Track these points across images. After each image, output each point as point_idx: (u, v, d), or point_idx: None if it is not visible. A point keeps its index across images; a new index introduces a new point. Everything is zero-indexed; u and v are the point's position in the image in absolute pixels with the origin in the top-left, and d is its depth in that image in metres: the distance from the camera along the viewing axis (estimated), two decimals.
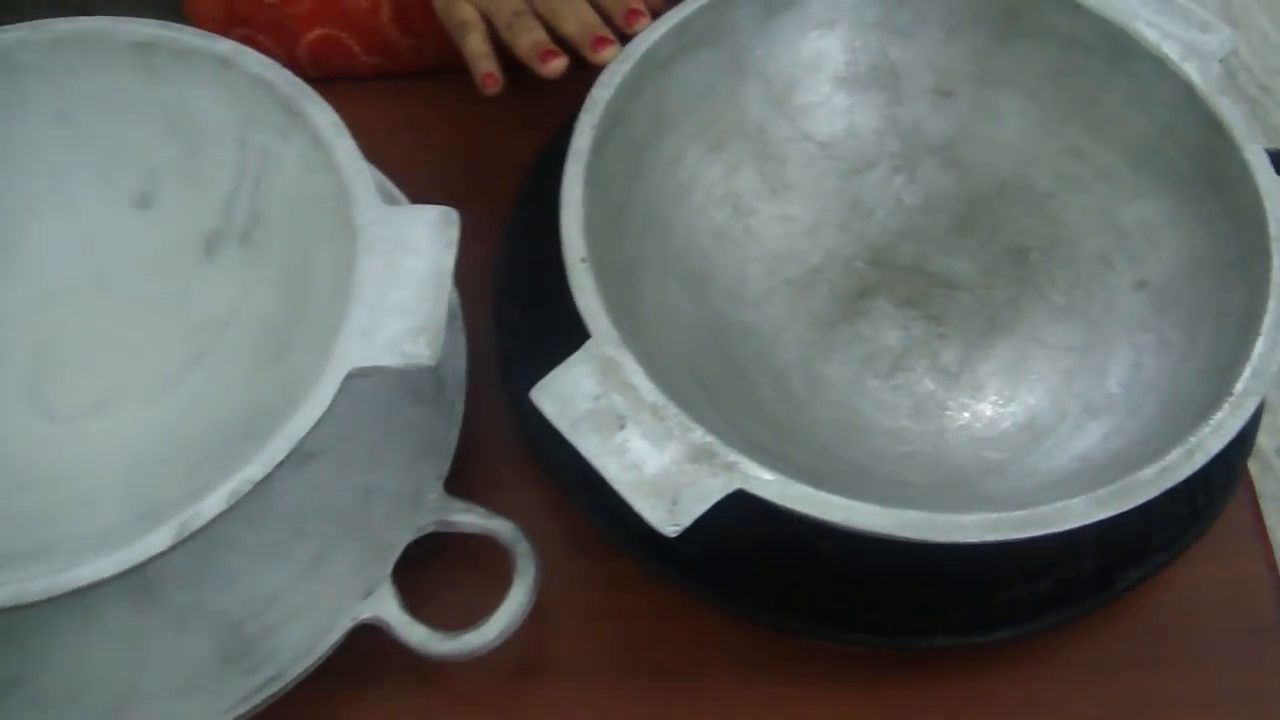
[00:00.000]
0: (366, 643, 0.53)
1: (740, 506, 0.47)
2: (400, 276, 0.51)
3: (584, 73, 0.58)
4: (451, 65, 0.66)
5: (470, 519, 0.54)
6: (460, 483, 0.55)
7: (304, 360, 0.54)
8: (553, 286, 0.57)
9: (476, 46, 0.60)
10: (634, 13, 0.57)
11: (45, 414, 0.58)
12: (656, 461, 0.47)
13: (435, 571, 0.55)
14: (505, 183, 0.62)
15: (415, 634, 0.52)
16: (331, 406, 0.48)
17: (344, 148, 0.54)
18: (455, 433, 0.56)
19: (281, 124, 0.56)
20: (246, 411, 0.56)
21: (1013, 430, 0.55)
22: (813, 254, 0.60)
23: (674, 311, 0.56)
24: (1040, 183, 0.59)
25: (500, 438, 0.59)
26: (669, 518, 0.46)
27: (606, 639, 0.55)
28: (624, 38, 0.57)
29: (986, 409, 0.56)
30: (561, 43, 0.59)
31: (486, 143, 0.67)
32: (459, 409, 0.57)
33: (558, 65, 0.57)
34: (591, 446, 0.48)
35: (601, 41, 0.56)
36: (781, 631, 0.53)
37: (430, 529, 0.54)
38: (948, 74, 0.60)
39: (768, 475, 0.47)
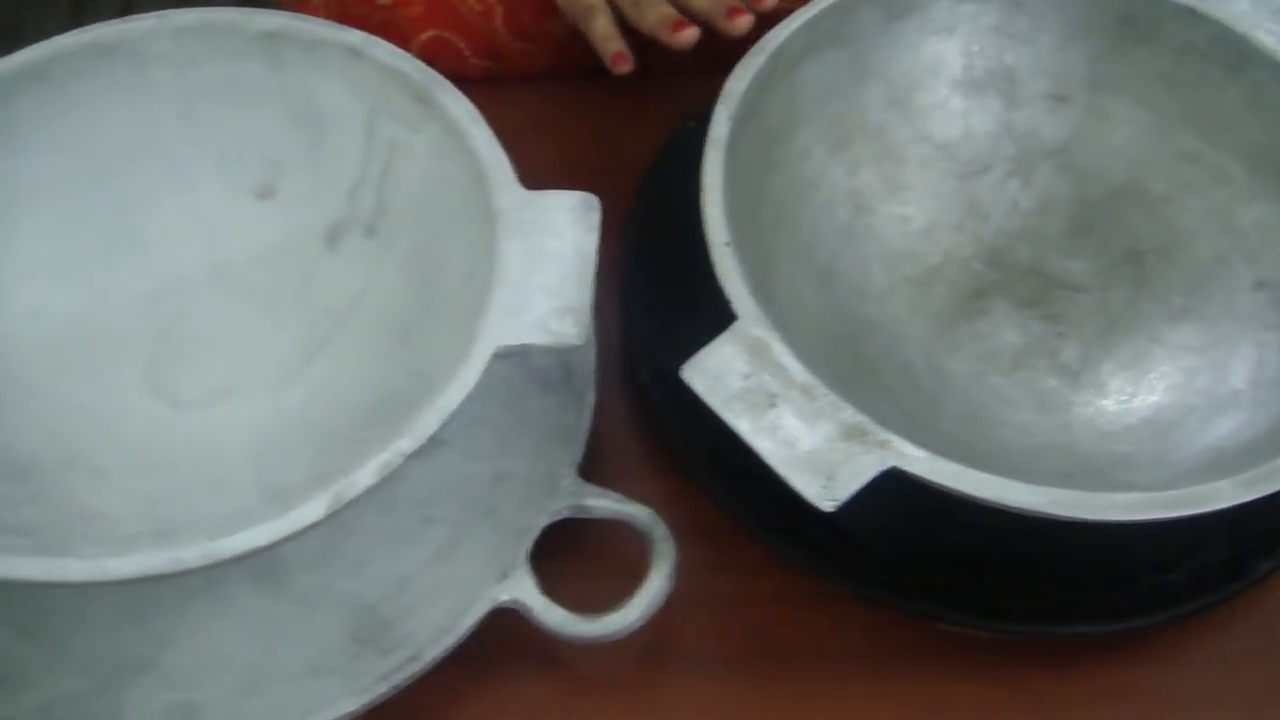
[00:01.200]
0: (492, 627, 0.52)
1: (877, 491, 0.47)
2: (543, 259, 0.51)
3: (694, 76, 0.59)
4: (560, 70, 0.68)
5: (605, 504, 0.54)
6: (592, 470, 0.55)
7: (436, 344, 0.54)
8: (678, 278, 0.57)
9: (603, 28, 0.61)
10: None
11: (168, 400, 0.58)
12: (809, 439, 0.48)
13: (563, 558, 0.54)
14: (621, 181, 0.63)
15: (554, 616, 0.52)
16: (477, 384, 0.49)
17: (480, 134, 0.55)
18: (586, 421, 0.56)
19: (412, 114, 0.57)
20: (372, 397, 0.56)
21: (1138, 425, 0.56)
22: (931, 254, 0.61)
23: (804, 303, 0.56)
24: (1155, 187, 0.60)
25: (625, 428, 0.59)
26: (825, 493, 0.47)
27: (735, 625, 0.55)
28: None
29: (1110, 405, 0.57)
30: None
31: (599, 143, 0.67)
32: (589, 397, 0.57)
33: (689, 35, 0.58)
34: (744, 424, 0.48)
35: (735, 11, 0.57)
36: (914, 615, 0.53)
37: (564, 514, 0.54)
38: (1063, 79, 0.61)
39: (919, 453, 0.47)
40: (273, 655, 0.53)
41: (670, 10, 0.59)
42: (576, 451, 0.56)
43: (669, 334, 0.57)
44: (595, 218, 0.53)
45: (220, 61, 0.59)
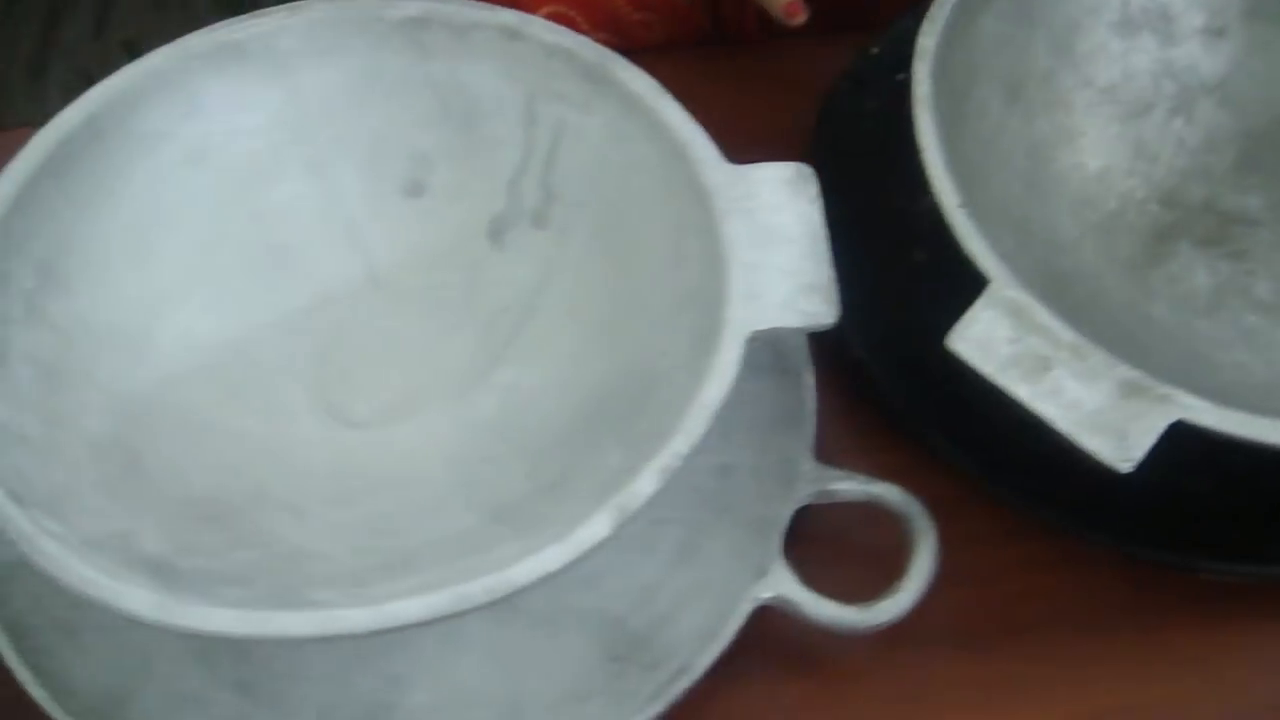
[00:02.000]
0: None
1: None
2: (771, 237, 0.49)
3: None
4: (681, 40, 0.65)
5: (852, 486, 0.52)
6: (821, 455, 0.53)
7: (650, 335, 0.51)
8: (873, 245, 0.55)
9: None
10: None
11: (343, 422, 0.54)
12: (1092, 399, 0.46)
13: (814, 549, 0.52)
14: (772, 151, 0.60)
15: (824, 610, 0.49)
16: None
17: (670, 110, 0.51)
18: (811, 403, 0.54)
19: (582, 94, 0.53)
20: (578, 398, 0.52)
21: None
22: (1108, 199, 0.59)
23: (1010, 261, 0.54)
24: None
25: (839, 406, 0.56)
26: (1120, 453, 0.45)
27: (988, 599, 0.53)
28: None
29: None
30: None
31: (738, 114, 0.64)
32: (807, 379, 0.54)
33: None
34: (1023, 390, 0.46)
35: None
36: (1176, 567, 0.52)
37: (807, 501, 0.52)
38: (1218, 12, 0.60)
39: (1203, 404, 0.46)
40: (523, 685, 0.50)
41: None
42: (808, 435, 0.53)
43: (874, 304, 0.54)
44: (814, 188, 0.50)
45: (359, 54, 0.54)
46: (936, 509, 0.52)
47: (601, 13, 0.67)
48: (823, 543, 0.53)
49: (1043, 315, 0.47)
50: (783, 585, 0.50)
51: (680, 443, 0.44)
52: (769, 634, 0.51)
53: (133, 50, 1.41)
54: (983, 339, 0.47)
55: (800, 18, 0.59)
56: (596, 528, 0.43)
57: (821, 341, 0.56)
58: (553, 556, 0.42)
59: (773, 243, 0.48)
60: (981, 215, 0.54)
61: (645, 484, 0.44)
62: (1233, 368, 0.55)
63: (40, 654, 0.50)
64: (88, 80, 0.52)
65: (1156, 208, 0.60)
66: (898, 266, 0.53)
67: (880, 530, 0.52)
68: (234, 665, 0.51)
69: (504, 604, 0.51)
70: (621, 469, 0.47)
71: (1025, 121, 0.58)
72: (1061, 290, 0.56)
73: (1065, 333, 0.47)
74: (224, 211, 0.55)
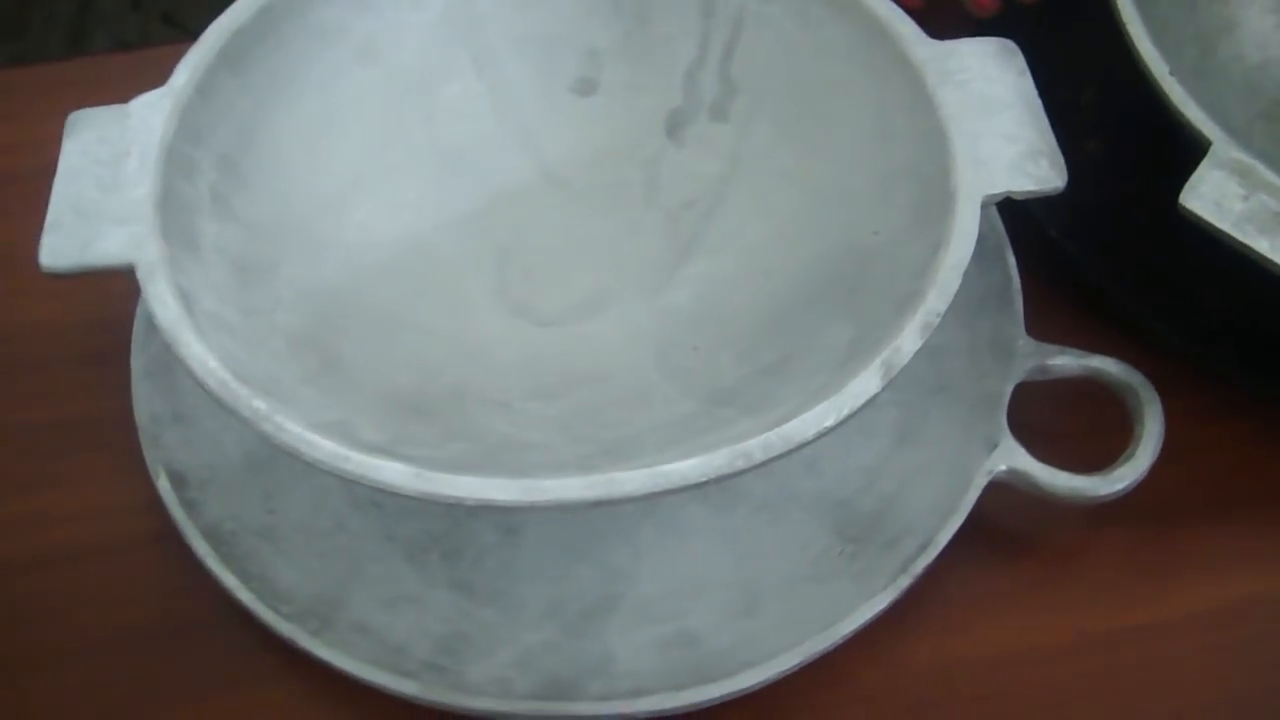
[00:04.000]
0: None
1: None
2: (988, 106, 0.48)
3: None
4: None
5: (1068, 361, 0.51)
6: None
7: (866, 209, 0.50)
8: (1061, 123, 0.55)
9: None
10: None
11: (533, 320, 0.52)
12: None
13: (1038, 426, 0.51)
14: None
15: (1060, 480, 0.48)
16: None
17: None
18: (1015, 283, 0.53)
19: None
20: (785, 283, 0.51)
21: None
22: (1270, 88, 0.59)
23: None
24: None
25: (1038, 287, 0.55)
26: None
27: (1212, 473, 0.53)
28: None
29: None
30: None
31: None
32: (1009, 258, 0.54)
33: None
34: (1264, 243, 0.46)
35: None
36: None
37: (1024, 377, 0.51)
38: None
39: None
40: (756, 570, 0.48)
41: None
42: (1017, 313, 0.52)
43: (1071, 189, 0.54)
44: (1021, 61, 0.49)
45: None
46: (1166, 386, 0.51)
47: None
48: (1040, 423, 0.52)
49: (1269, 174, 0.47)
50: (1016, 458, 0.48)
51: (936, 300, 0.43)
52: (994, 515, 0.50)
53: (171, 22, 1.38)
54: (1216, 197, 0.47)
55: (991, 9, 0.59)
56: (866, 383, 0.41)
57: (1018, 228, 0.55)
58: (827, 411, 0.41)
59: (991, 112, 0.48)
60: None
61: (909, 341, 0.42)
62: None
63: (244, 559, 0.48)
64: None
65: None
66: (1072, 157, 0.52)
67: (1095, 407, 0.51)
68: (446, 565, 0.48)
69: (722, 490, 0.51)
70: (851, 342, 0.46)
71: (1190, 11, 0.58)
72: None
73: None
74: (396, 111, 0.53)
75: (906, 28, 0.50)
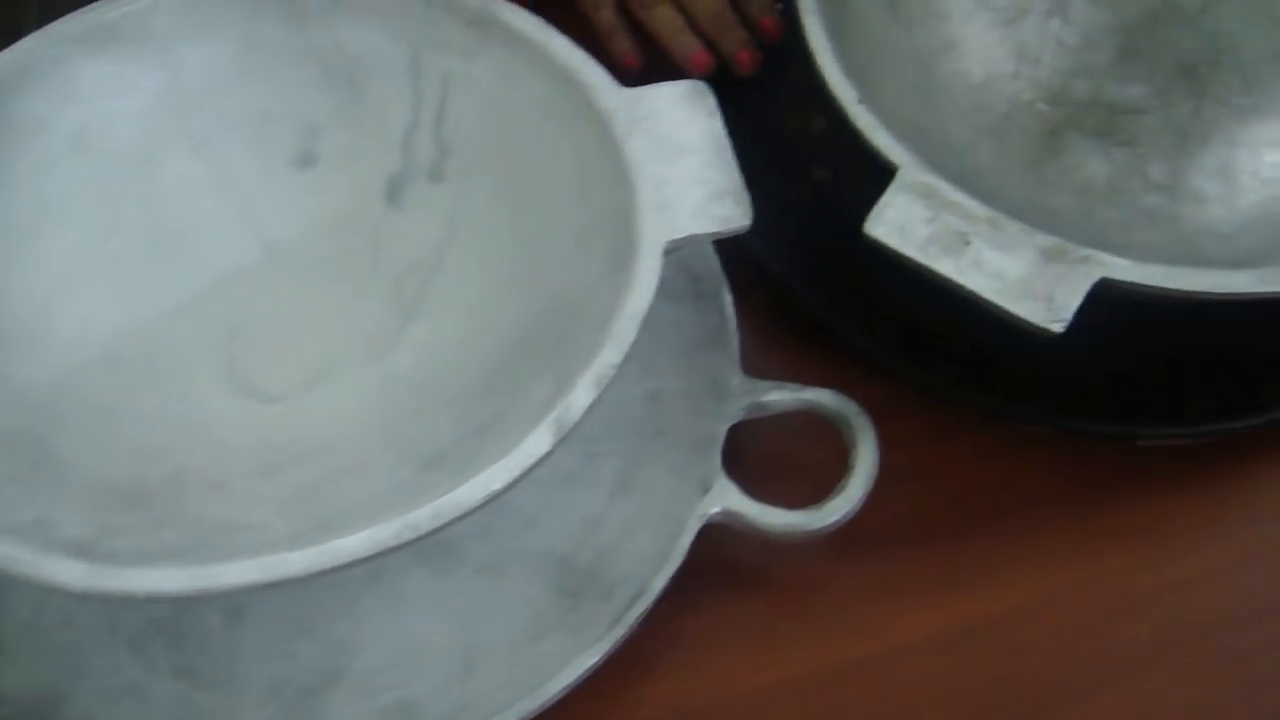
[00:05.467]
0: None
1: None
2: (675, 150, 0.48)
3: None
4: None
5: (783, 395, 0.51)
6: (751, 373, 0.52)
7: (566, 267, 0.50)
8: (773, 163, 0.55)
9: (608, 21, 0.60)
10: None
11: (259, 398, 0.52)
12: (1016, 267, 0.46)
13: (755, 463, 0.51)
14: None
15: (772, 518, 0.48)
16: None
17: (557, 44, 0.51)
18: (731, 323, 0.53)
19: (465, 42, 0.53)
20: (499, 341, 0.51)
21: (1255, 220, 0.56)
22: (996, 104, 0.60)
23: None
24: (1188, 2, 0.60)
25: (757, 324, 0.55)
26: (1051, 315, 0.45)
27: (931, 496, 0.53)
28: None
29: (1217, 210, 0.57)
30: None
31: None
32: (725, 298, 0.54)
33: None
34: (948, 265, 0.46)
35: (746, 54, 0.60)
36: (1114, 437, 0.53)
37: (741, 416, 0.51)
38: None
39: (1123, 261, 0.46)
40: (475, 634, 0.48)
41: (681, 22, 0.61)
42: (733, 352, 0.52)
43: (777, 222, 0.54)
44: (711, 101, 0.50)
45: (236, 26, 0.53)
46: (872, 412, 0.51)
47: None
48: (763, 458, 0.52)
49: (955, 193, 0.48)
50: (728, 499, 0.49)
51: (611, 352, 0.44)
52: (722, 554, 0.50)
53: None
54: (899, 221, 0.47)
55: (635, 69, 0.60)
56: (537, 443, 0.42)
57: (738, 263, 0.55)
58: (497, 474, 0.41)
59: (678, 155, 0.48)
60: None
61: (581, 396, 0.43)
62: (1141, 247, 0.56)
63: None
64: None
65: (1045, 107, 0.60)
66: (799, 186, 0.53)
67: (817, 440, 0.51)
68: (170, 652, 0.48)
69: (445, 553, 0.51)
70: (554, 397, 0.46)
71: (906, 32, 0.59)
72: (965, 190, 0.56)
73: (979, 208, 0.47)
74: (112, 198, 0.53)
75: (597, 78, 0.50)
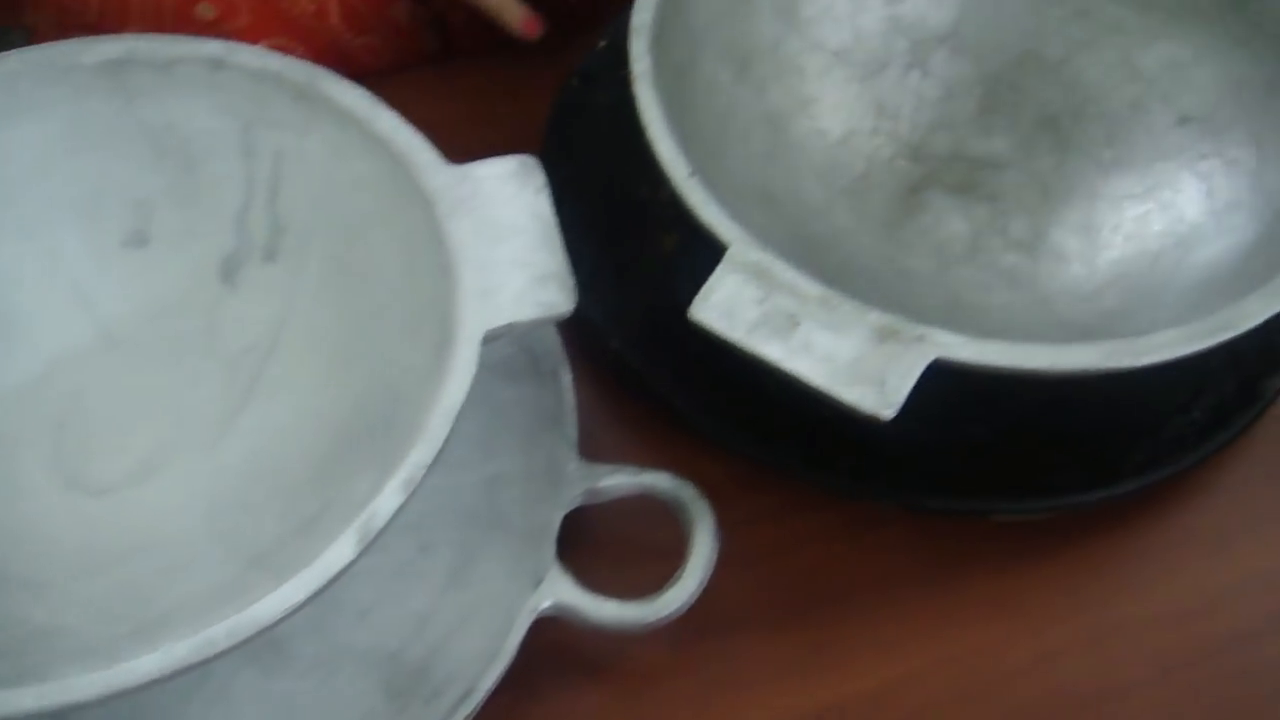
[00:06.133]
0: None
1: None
2: (499, 232, 0.47)
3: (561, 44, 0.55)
4: (409, 61, 0.63)
5: (620, 480, 0.49)
6: (590, 456, 0.51)
7: (392, 353, 0.49)
8: (614, 236, 0.54)
9: None
10: None
11: (87, 490, 0.51)
12: (847, 349, 0.45)
13: (592, 551, 0.50)
14: None
15: (606, 611, 0.47)
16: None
17: (384, 119, 0.49)
18: (569, 402, 0.52)
19: (296, 117, 0.51)
20: (328, 429, 0.50)
21: (1113, 280, 0.55)
22: (855, 162, 0.58)
23: (755, 231, 0.53)
24: (1050, 51, 0.59)
25: (602, 403, 0.54)
26: (882, 400, 0.44)
27: (779, 577, 0.52)
28: None
29: (1077, 268, 0.56)
30: None
31: (476, 128, 0.62)
32: (564, 378, 0.52)
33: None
34: (775, 350, 0.45)
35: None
36: (966, 514, 0.52)
37: (579, 502, 0.49)
38: None
39: (959, 339, 0.45)
40: None
41: None
42: (570, 435, 0.51)
43: (628, 295, 0.53)
44: (540, 178, 0.48)
45: (62, 104, 0.51)
46: (720, 492, 0.50)
47: (322, 41, 0.65)
48: (604, 544, 0.51)
49: (787, 272, 0.46)
50: (560, 592, 0.47)
51: (422, 453, 0.42)
52: (564, 641, 0.49)
53: None
54: (728, 304, 0.46)
55: (539, 32, 0.58)
56: (340, 552, 0.40)
57: (582, 340, 0.54)
58: (295, 589, 0.40)
59: (502, 238, 0.47)
60: (723, 188, 0.53)
61: (387, 501, 0.41)
62: (999, 309, 0.55)
63: None
64: None
65: (905, 163, 0.59)
66: (649, 255, 0.51)
67: (659, 524, 0.50)
68: None
69: (274, 652, 0.49)
70: (373, 492, 0.45)
71: (758, 93, 0.57)
72: (818, 255, 0.55)
73: (812, 287, 0.46)
74: None
75: (422, 155, 0.48)
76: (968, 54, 0.60)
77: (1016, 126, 0.59)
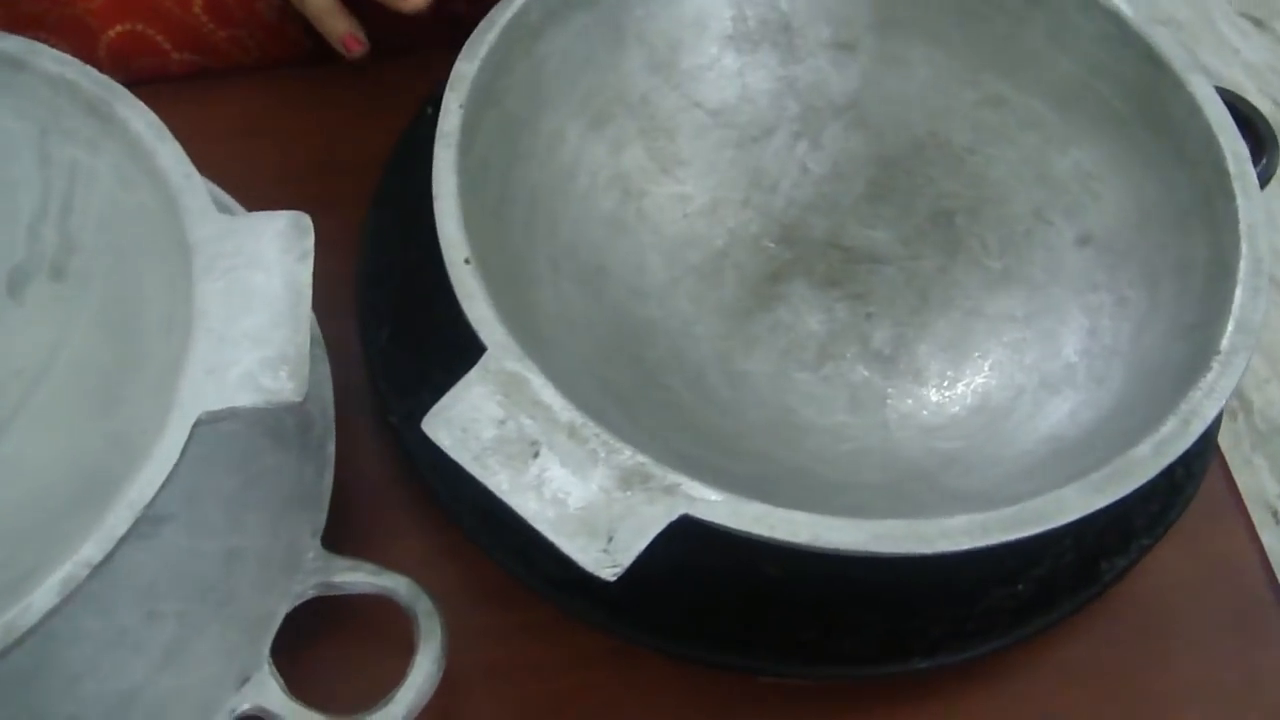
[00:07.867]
0: None
1: (674, 533, 0.40)
2: (249, 299, 0.43)
3: (436, 50, 0.50)
4: (278, 59, 0.59)
5: (357, 578, 0.46)
6: (342, 536, 0.47)
7: (141, 410, 0.45)
8: (427, 297, 0.49)
9: (322, 3, 0.53)
10: None
11: None
12: (582, 492, 0.40)
13: (322, 645, 0.46)
14: (359, 186, 0.54)
15: None
16: (179, 463, 0.40)
17: (167, 153, 0.45)
18: (328, 478, 0.48)
19: (90, 132, 0.47)
20: (73, 477, 0.47)
21: (964, 414, 0.49)
22: (716, 236, 0.53)
23: (571, 314, 0.48)
24: (958, 138, 0.53)
25: (382, 479, 0.50)
26: (605, 558, 0.39)
27: (533, 698, 0.47)
28: None
29: (931, 393, 0.50)
30: None
31: (332, 142, 0.58)
32: (329, 449, 0.48)
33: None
34: (501, 482, 0.40)
35: None
36: (728, 670, 0.46)
37: (311, 594, 0.46)
38: (846, 24, 0.53)
39: (715, 496, 0.40)
40: None
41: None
42: (319, 517, 0.47)
43: (420, 368, 0.49)
44: (308, 242, 0.44)
45: None
46: (481, 597, 0.46)
47: (183, 30, 0.60)
48: (335, 644, 0.47)
49: (544, 390, 0.41)
50: (264, 695, 0.44)
51: (90, 551, 0.39)
52: None
53: None
54: (465, 420, 0.41)
55: (359, 51, 0.53)
56: None
57: (369, 403, 0.50)
58: None
59: (249, 308, 0.43)
60: (541, 259, 0.49)
61: (42, 598, 0.38)
62: (829, 432, 0.49)
63: None
64: None
65: (772, 244, 0.53)
66: (435, 321, 0.46)
67: (397, 627, 0.46)
68: None
69: None
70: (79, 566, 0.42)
71: (613, 151, 0.52)
72: (639, 345, 0.50)
73: (563, 410, 0.41)
74: None
75: (194, 200, 0.44)
76: (866, 129, 0.54)
77: (905, 218, 0.53)
